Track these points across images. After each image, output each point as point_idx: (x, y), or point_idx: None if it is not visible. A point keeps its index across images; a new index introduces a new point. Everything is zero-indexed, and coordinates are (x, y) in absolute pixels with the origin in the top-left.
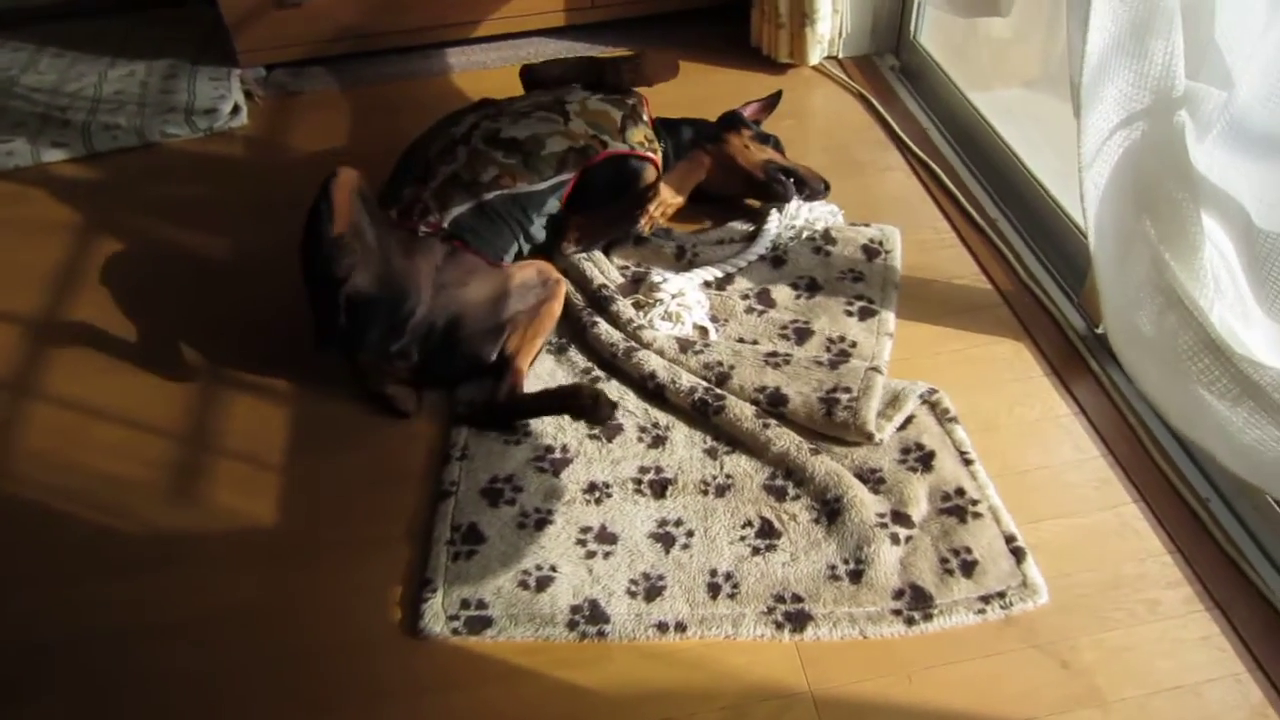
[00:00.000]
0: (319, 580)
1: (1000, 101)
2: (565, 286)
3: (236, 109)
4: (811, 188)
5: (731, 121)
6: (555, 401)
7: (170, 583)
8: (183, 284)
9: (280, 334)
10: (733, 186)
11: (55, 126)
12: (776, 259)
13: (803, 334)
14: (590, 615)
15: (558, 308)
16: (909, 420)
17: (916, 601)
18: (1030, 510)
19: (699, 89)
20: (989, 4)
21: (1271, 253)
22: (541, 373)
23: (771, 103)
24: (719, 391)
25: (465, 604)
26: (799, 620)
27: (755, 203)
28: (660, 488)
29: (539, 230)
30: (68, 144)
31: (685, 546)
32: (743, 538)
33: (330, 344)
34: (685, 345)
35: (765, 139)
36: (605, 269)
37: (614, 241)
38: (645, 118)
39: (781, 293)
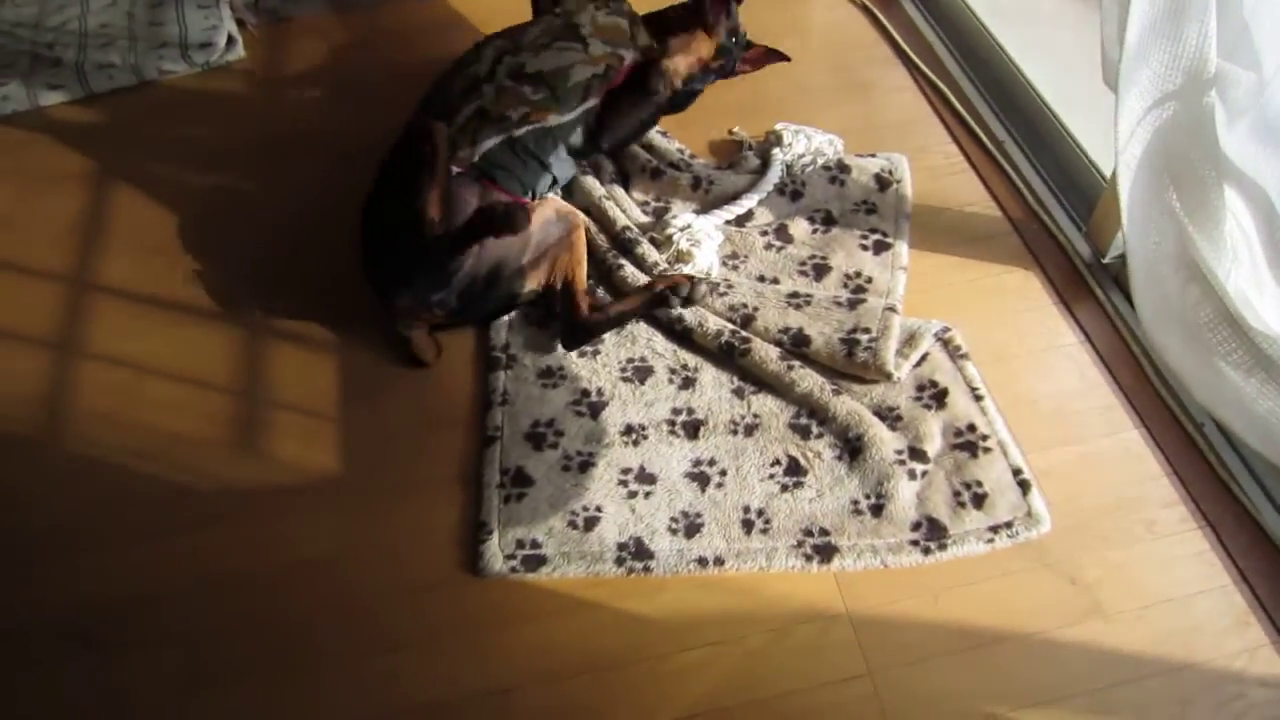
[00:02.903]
0: (380, 524)
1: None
2: (581, 218)
3: (231, 41)
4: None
5: None
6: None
7: (241, 534)
8: (205, 230)
9: (314, 278)
10: None
11: (47, 66)
12: (794, 192)
13: (820, 270)
14: (636, 552)
15: (582, 235)
16: (924, 358)
17: (932, 533)
18: (1039, 438)
19: None
20: None
21: None
22: None
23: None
24: (744, 334)
25: (520, 544)
26: (826, 553)
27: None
28: (693, 429)
29: (563, 166)
30: (63, 86)
31: (719, 485)
32: (771, 475)
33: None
34: (710, 287)
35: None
36: (627, 207)
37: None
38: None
39: (799, 227)
